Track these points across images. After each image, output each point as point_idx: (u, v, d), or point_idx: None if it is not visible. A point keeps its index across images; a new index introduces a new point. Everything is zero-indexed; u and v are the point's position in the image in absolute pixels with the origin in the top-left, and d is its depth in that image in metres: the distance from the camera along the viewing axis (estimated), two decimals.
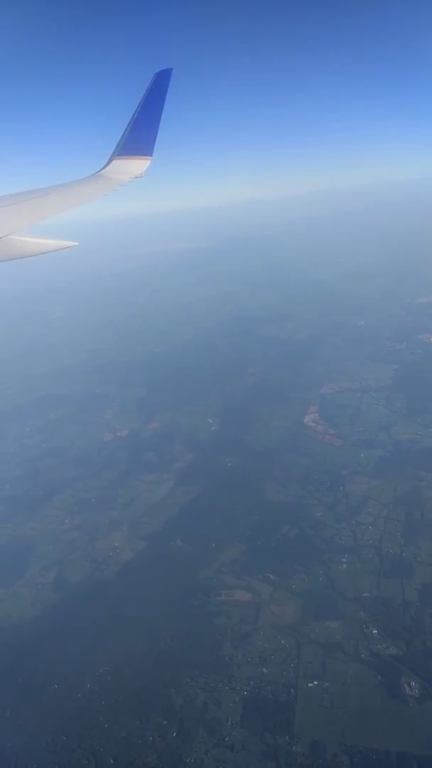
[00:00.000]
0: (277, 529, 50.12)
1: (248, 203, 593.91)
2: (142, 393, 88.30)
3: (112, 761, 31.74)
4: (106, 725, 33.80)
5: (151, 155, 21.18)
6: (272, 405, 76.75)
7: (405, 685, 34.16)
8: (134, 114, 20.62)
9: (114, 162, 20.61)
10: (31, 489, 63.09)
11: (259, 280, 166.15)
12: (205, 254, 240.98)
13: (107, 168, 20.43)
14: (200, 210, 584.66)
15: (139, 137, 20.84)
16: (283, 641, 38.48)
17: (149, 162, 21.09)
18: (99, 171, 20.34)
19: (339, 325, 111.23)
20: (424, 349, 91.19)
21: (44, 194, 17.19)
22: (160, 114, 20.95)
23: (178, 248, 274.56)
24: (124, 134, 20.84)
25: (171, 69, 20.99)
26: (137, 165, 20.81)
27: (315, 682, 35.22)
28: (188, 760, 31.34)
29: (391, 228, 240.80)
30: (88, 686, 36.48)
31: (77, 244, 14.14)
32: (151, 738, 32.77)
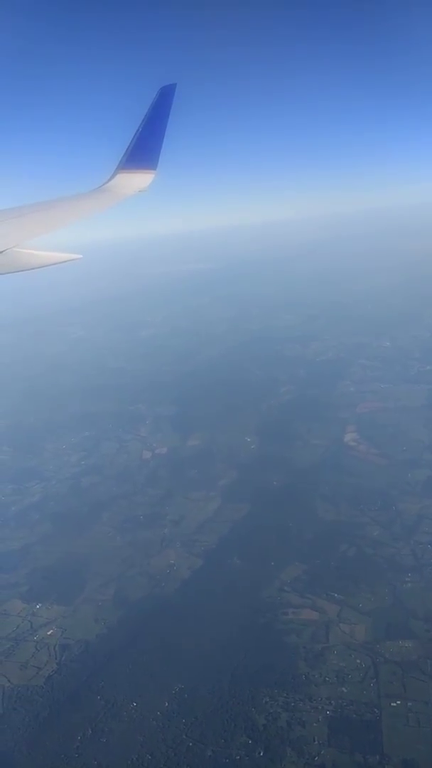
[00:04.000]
0: (335, 548, 49.98)
1: (249, 227, 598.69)
2: (174, 411, 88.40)
3: None
4: (191, 743, 33.46)
5: (155, 169, 21.11)
6: (309, 424, 76.84)
7: None
8: (139, 128, 20.63)
9: (118, 176, 20.47)
10: (77, 506, 62.96)
11: (274, 301, 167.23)
12: (214, 276, 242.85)
13: (111, 182, 20.29)
14: (197, 233, 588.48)
15: (143, 151, 20.81)
16: (358, 660, 38.21)
17: (154, 175, 21.00)
18: (103, 185, 20.19)
19: (364, 346, 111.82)
20: None
21: (48, 207, 17.11)
22: (165, 128, 20.98)
23: (185, 270, 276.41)
24: (128, 148, 20.79)
25: (175, 84, 20.97)
26: (141, 179, 20.68)
27: (398, 702, 34.92)
28: None
29: (399, 252, 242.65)
30: (167, 704, 36.15)
31: (81, 257, 13.95)
32: (238, 757, 32.44)
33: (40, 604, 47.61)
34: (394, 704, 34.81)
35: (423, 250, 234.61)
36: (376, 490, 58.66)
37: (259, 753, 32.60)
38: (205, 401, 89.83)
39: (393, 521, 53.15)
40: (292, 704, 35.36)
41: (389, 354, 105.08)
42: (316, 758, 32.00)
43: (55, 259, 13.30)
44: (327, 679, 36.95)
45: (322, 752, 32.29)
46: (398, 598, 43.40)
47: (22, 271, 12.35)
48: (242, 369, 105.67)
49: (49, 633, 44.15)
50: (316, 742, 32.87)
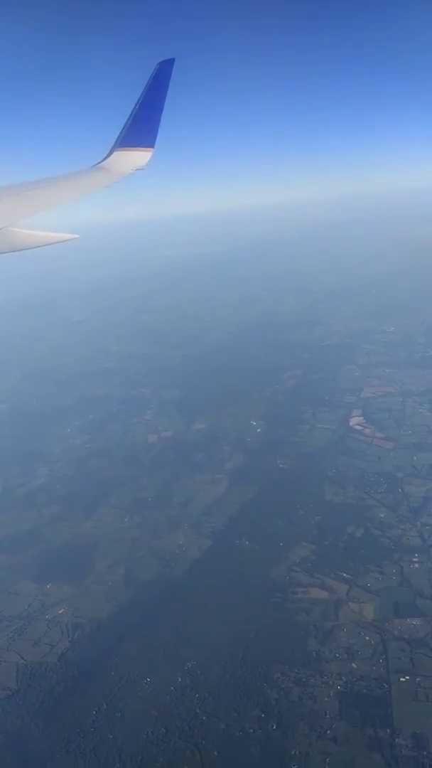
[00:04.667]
0: (343, 530, 50.46)
1: (251, 210, 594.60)
2: (179, 395, 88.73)
3: (216, 753, 31.97)
4: (204, 717, 34.08)
5: (153, 146, 20.94)
6: (315, 408, 77.16)
7: None
8: (136, 105, 20.30)
9: (115, 153, 20.36)
10: (84, 488, 63.46)
11: (279, 285, 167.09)
12: (217, 260, 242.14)
13: (108, 159, 20.22)
14: (200, 216, 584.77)
15: (141, 128, 20.57)
16: (367, 638, 38.79)
17: (151, 153, 20.86)
18: (100, 162, 20.14)
19: (369, 331, 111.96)
20: None
21: (43, 185, 17.13)
22: (163, 105, 20.66)
23: (187, 254, 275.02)
24: (125, 125, 20.56)
25: (173, 59, 20.55)
26: (139, 156, 20.57)
27: (407, 677, 35.51)
28: (293, 753, 31.59)
29: (406, 238, 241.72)
30: (180, 680, 36.75)
31: (78, 236, 14.12)
32: (252, 730, 33.05)
33: (50, 584, 48.20)
34: (403, 679, 35.41)
35: (428, 232, 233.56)
36: (383, 473, 59.12)
37: (272, 726, 33.21)
38: (210, 386, 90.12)
39: (399, 503, 53.62)
40: (304, 680, 35.97)
41: (394, 339, 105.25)
42: (328, 732, 32.62)
43: (52, 239, 13.43)
44: (337, 655, 37.54)
45: (333, 726, 32.90)
46: (405, 578, 43.94)
47: (19, 250, 12.54)
48: (247, 354, 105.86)
49: (60, 612, 44.76)
50: (328, 716, 33.49)
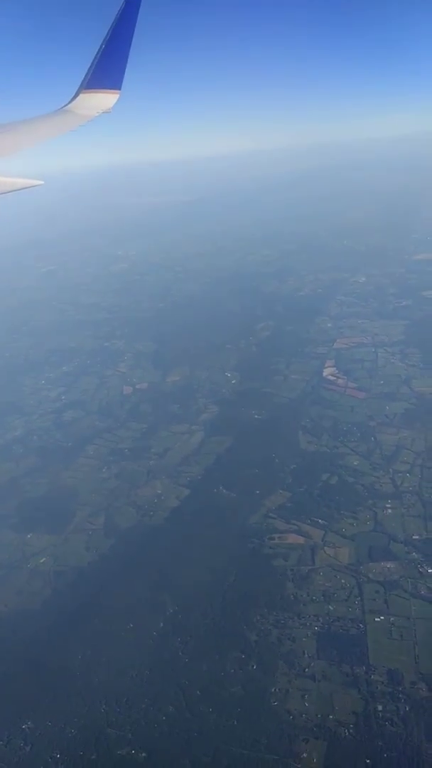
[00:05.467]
0: (318, 477, 51.53)
1: (224, 157, 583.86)
2: (153, 347, 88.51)
3: (198, 692, 33.10)
4: (186, 660, 35.13)
5: (119, 89, 20.11)
6: (288, 359, 77.74)
7: None
8: (102, 44, 19.18)
9: (81, 96, 19.65)
10: (61, 440, 63.55)
11: (251, 235, 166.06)
12: (188, 209, 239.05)
13: (73, 102, 19.55)
14: (176, 163, 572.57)
15: (107, 69, 19.64)
16: (343, 581, 40.10)
17: (118, 96, 20.08)
18: (65, 105, 19.51)
19: (340, 281, 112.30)
20: (431, 306, 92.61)
21: (6, 129, 16.55)
22: (130, 44, 19.60)
23: (158, 201, 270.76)
24: (91, 66, 19.61)
25: None
26: (105, 99, 19.78)
27: (381, 617, 36.97)
28: (273, 690, 32.87)
29: (373, 185, 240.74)
30: (161, 625, 37.72)
31: (42, 182, 13.80)
32: (233, 671, 34.23)
33: (30, 534, 48.63)
34: (378, 619, 36.86)
35: (403, 185, 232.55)
36: (356, 422, 60.18)
37: (252, 666, 34.44)
38: (183, 337, 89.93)
39: (372, 451, 54.84)
40: (282, 622, 37.21)
41: (365, 290, 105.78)
42: (306, 669, 33.97)
43: (14, 185, 13.04)
44: (314, 598, 38.80)
45: (312, 664, 34.26)
46: (379, 523, 45.27)
47: None
48: (220, 305, 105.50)
49: (41, 561, 45.29)
50: (306, 656, 34.81)
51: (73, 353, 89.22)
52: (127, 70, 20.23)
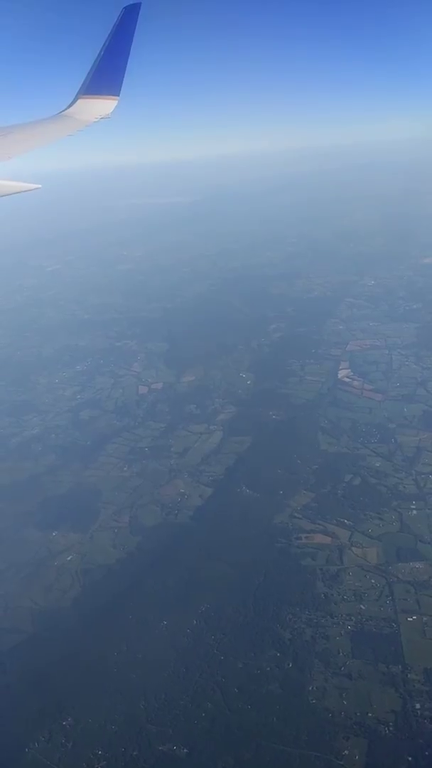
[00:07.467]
0: (341, 478, 51.80)
1: (225, 159, 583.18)
2: (165, 347, 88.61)
3: (236, 690, 33.27)
4: (222, 657, 35.30)
5: (118, 95, 20.45)
6: (302, 360, 78.01)
7: None
8: (101, 51, 19.65)
9: (79, 101, 19.97)
10: (79, 438, 63.65)
11: (256, 237, 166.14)
12: (191, 210, 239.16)
13: (72, 107, 19.84)
14: (176, 164, 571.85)
15: (105, 76, 20.00)
16: (373, 581, 40.33)
17: (116, 102, 20.39)
18: (63, 110, 19.79)
19: (349, 284, 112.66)
20: None
21: (5, 134, 16.72)
22: (128, 51, 20.06)
23: (161, 203, 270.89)
24: (90, 72, 20.02)
25: (140, 3, 19.95)
26: (104, 105, 20.11)
27: (414, 617, 37.22)
28: (310, 688, 33.08)
29: (376, 188, 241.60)
30: (195, 623, 37.86)
31: (40, 186, 13.93)
32: (269, 668, 34.41)
33: (55, 532, 48.69)
34: (411, 619, 37.10)
35: (406, 188, 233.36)
36: (374, 423, 60.52)
37: (288, 664, 34.62)
38: (195, 338, 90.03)
39: (393, 453, 55.13)
40: (315, 620, 37.42)
41: (375, 293, 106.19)
42: (342, 668, 34.18)
43: (13, 188, 13.16)
44: (345, 597, 39.05)
45: (347, 663, 34.47)
46: (405, 524, 45.53)
47: None
48: (229, 306, 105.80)
49: (68, 559, 45.36)
50: (341, 654, 35.04)
51: (85, 352, 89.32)
52: (127, 71, 20.65)
